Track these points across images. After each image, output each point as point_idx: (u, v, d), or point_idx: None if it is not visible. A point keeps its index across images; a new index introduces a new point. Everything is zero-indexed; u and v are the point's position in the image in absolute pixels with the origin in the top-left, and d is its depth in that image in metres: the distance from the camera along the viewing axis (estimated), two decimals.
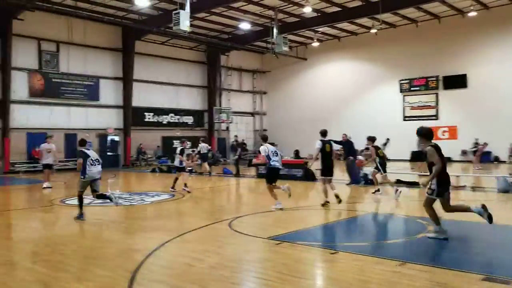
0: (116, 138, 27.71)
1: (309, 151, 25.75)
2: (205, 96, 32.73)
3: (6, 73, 22.70)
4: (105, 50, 27.03)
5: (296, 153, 28.93)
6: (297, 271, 5.78)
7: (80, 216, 9.70)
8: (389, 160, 25.80)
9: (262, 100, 37.01)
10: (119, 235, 8.44)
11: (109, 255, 6.73)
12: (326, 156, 10.62)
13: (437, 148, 6.97)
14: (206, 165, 21.12)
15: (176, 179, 14.39)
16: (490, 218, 7.05)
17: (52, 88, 24.70)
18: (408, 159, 27.54)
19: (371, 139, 13.05)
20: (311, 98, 34.06)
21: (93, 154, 9.83)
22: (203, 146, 21.41)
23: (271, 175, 10.50)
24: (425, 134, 7.07)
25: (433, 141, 7.10)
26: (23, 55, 23.71)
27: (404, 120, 29.99)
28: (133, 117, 28.04)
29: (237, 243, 7.34)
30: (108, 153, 27.19)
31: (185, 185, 13.95)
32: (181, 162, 14.10)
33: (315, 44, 32.35)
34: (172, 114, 30.75)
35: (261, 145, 10.69)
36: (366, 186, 15.11)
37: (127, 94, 27.58)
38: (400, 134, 27.78)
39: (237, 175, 19.93)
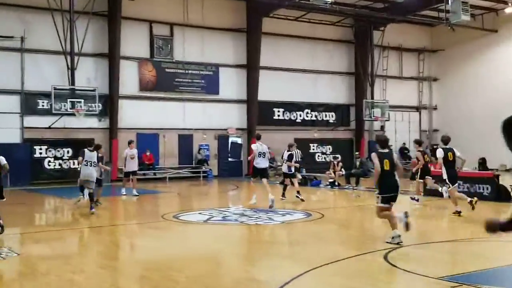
0: (239, 141, 28.89)
1: (501, 159, 23.91)
2: (352, 86, 32.51)
3: (114, 63, 25.16)
4: (226, 31, 28.46)
5: (482, 162, 26.95)
6: None
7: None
8: None
9: (431, 89, 35.50)
10: (240, 261, 8.74)
11: (227, 284, 7.00)
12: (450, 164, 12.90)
13: (381, 155, 9.15)
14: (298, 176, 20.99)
15: (286, 186, 16.89)
16: (406, 226, 9.10)
17: (165, 80, 26.78)
18: None
19: (418, 142, 16.02)
20: (503, 85, 31.62)
21: (89, 155, 14.11)
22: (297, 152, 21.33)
23: (254, 172, 15.72)
24: (378, 141, 9.63)
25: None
26: (133, 41, 26.11)
27: None
28: (259, 114, 29.00)
29: (398, 281, 7.13)
30: (229, 159, 28.48)
31: (298, 192, 16.42)
32: (289, 168, 16.88)
33: (510, 9, 30.00)
34: (308, 110, 31.12)
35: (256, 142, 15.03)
36: None
37: (252, 85, 28.66)
38: None
39: None
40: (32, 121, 23.88)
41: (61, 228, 12.34)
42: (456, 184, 13.03)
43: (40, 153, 24.10)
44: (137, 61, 26.39)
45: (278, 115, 30.21)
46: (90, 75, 25.12)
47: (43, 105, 23.95)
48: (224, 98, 28.44)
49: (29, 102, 23.79)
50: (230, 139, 28.72)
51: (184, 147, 27.37)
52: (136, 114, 26.11)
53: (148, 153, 25.61)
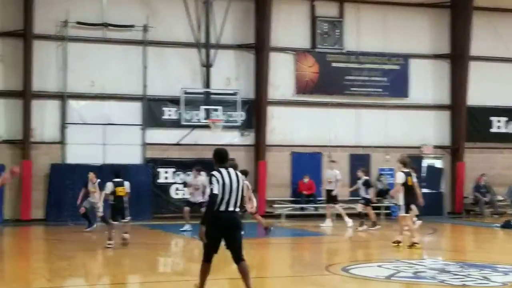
0: (438, 164, 28.21)
1: None
2: None
3: (263, 56, 25.80)
4: (419, 7, 28.29)
5: None
6: None
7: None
8: None
9: None
10: None
11: None
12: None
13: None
14: (371, 212, 21.87)
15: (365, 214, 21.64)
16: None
17: (331, 78, 27.03)
18: None
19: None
20: None
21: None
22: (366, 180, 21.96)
23: None
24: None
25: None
26: (287, 27, 26.66)
27: None
28: (469, 125, 28.39)
29: None
30: (424, 190, 27.72)
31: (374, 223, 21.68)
32: (367, 193, 21.54)
33: None
34: None
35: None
36: None
37: (458, 83, 28.13)
38: None
39: None
40: (155, 135, 25.05)
41: (191, 278, 12.71)
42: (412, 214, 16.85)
43: (166, 178, 25.09)
44: (293, 54, 26.94)
45: (499, 127, 29.43)
46: (230, 74, 26.07)
47: (169, 115, 25.07)
48: (416, 102, 28.22)
49: (153, 111, 25.02)
50: (425, 162, 28.16)
51: (357, 170, 27.13)
52: (291, 126, 26.65)
53: (306, 180, 25.71)
